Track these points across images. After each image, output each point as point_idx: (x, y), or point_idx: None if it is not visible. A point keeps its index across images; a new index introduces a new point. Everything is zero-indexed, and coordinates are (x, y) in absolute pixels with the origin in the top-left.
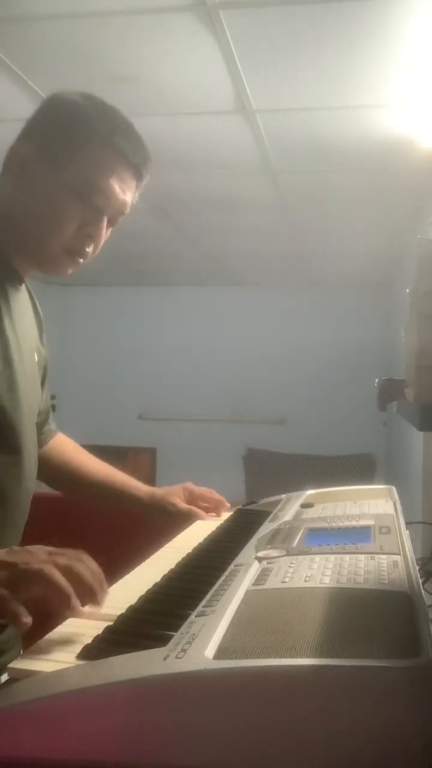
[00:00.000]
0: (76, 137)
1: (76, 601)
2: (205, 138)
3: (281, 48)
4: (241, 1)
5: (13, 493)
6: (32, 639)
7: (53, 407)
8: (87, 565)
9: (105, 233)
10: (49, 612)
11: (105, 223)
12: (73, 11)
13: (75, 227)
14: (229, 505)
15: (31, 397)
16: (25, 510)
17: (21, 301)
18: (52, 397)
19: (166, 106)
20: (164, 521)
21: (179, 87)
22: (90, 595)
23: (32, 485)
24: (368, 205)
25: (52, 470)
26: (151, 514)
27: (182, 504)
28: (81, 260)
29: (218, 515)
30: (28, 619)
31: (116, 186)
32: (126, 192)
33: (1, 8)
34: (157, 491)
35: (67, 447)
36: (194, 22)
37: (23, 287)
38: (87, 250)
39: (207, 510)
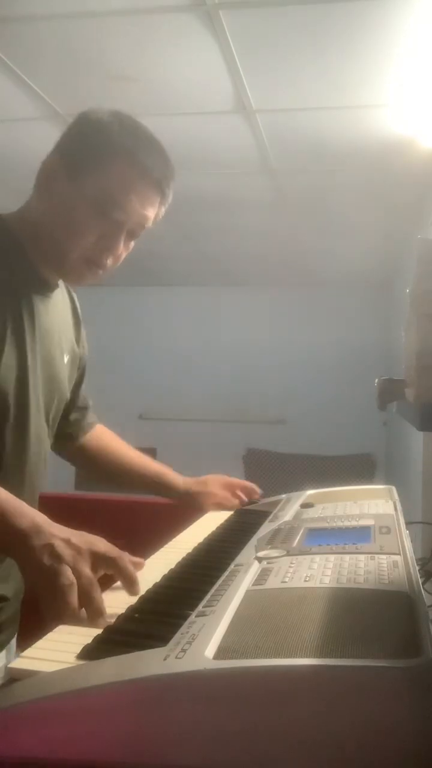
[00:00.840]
0: (99, 152)
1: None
2: (205, 138)
3: (281, 48)
4: (241, 1)
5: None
6: (32, 639)
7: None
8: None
9: (125, 246)
10: (48, 611)
11: (123, 237)
12: (74, 11)
13: (93, 239)
14: (258, 492)
15: (46, 394)
16: (29, 492)
17: (50, 305)
18: None
19: (166, 106)
20: (197, 507)
21: (179, 87)
22: (95, 613)
23: (39, 477)
24: (368, 205)
25: (92, 460)
26: (185, 502)
27: (216, 489)
28: (100, 271)
29: (255, 496)
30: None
31: (136, 201)
32: (147, 207)
33: (1, 8)
34: (193, 487)
35: (103, 436)
36: (194, 22)
37: (55, 293)
38: (106, 261)
39: (242, 499)
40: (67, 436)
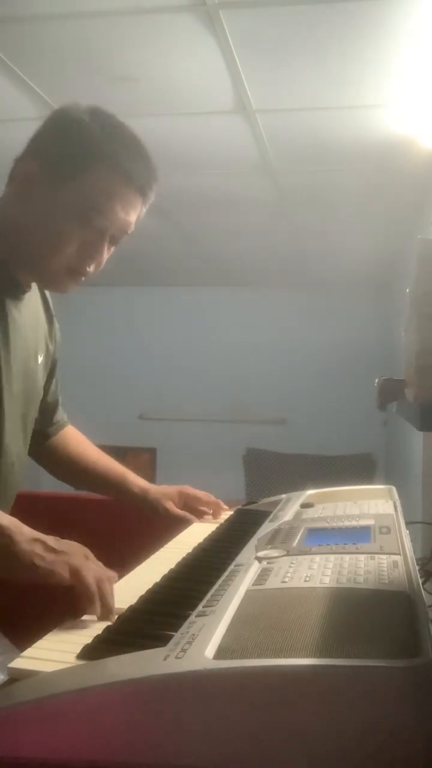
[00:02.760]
0: (80, 158)
1: (98, 604)
2: (205, 138)
3: (281, 48)
4: (241, 1)
5: None
6: (33, 639)
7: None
8: (111, 587)
9: (107, 252)
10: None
11: (106, 244)
12: (73, 11)
13: (75, 247)
14: (227, 507)
15: (22, 401)
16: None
17: (23, 309)
18: None
19: (166, 106)
20: (157, 519)
21: (179, 87)
22: (106, 611)
23: (15, 482)
24: (368, 205)
25: (56, 460)
26: (142, 509)
27: (174, 508)
28: (82, 278)
29: (215, 517)
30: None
31: (119, 207)
32: (130, 213)
33: (1, 8)
34: (152, 490)
35: (71, 439)
36: (194, 22)
37: (27, 295)
38: (88, 269)
39: (204, 514)
40: (33, 433)
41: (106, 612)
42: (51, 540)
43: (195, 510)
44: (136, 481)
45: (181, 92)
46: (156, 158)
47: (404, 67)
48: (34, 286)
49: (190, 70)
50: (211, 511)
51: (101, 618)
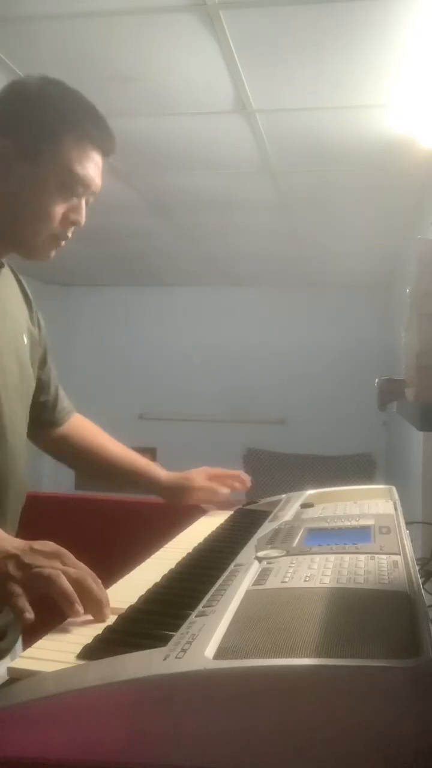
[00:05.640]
0: (52, 130)
1: (79, 606)
2: (205, 138)
3: (281, 48)
4: (241, 1)
5: None
6: (33, 638)
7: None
8: (96, 583)
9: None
10: (52, 611)
11: (84, 206)
12: (73, 11)
13: (60, 216)
14: (249, 483)
15: (12, 378)
16: (14, 489)
17: (2, 283)
18: None
19: (166, 106)
20: (159, 516)
21: (179, 87)
22: (97, 607)
23: (19, 462)
24: (368, 205)
25: (72, 450)
26: (169, 495)
27: (200, 480)
28: (63, 243)
29: (244, 487)
30: (30, 615)
31: (93, 171)
32: (99, 175)
33: (1, 8)
34: (176, 481)
35: (86, 428)
36: (194, 22)
37: (4, 270)
38: (69, 234)
39: (232, 488)
40: (40, 423)
41: (97, 606)
42: (25, 551)
43: (222, 484)
44: (159, 469)
45: (181, 92)
46: (156, 158)
47: (404, 67)
48: (6, 267)
49: (190, 70)
50: (238, 484)
51: (96, 615)
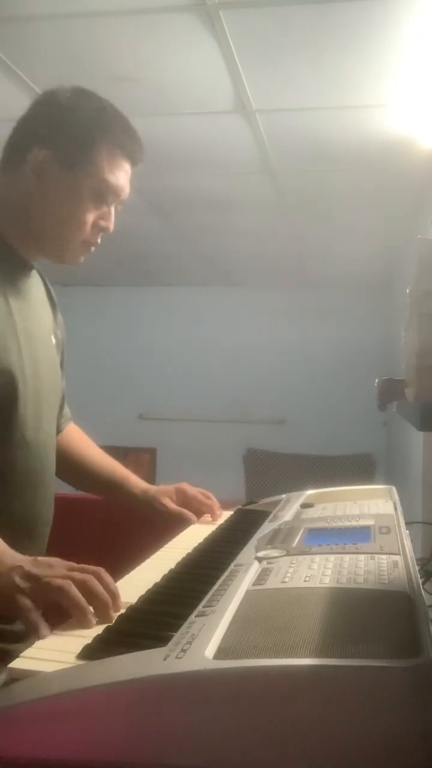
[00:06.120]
0: (87, 141)
1: (92, 617)
2: (205, 138)
3: (281, 48)
4: (241, 1)
5: (21, 473)
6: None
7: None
8: (104, 581)
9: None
10: (54, 611)
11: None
12: (73, 11)
13: (91, 223)
14: (220, 512)
15: (45, 379)
16: (41, 490)
17: (32, 286)
18: None
19: (166, 106)
20: (157, 519)
21: (179, 87)
22: (104, 609)
23: (48, 464)
24: (368, 205)
25: (60, 459)
26: (142, 510)
27: (171, 505)
28: (92, 248)
29: (213, 519)
30: (46, 632)
31: (123, 181)
32: (128, 182)
33: (1, 8)
34: (151, 489)
35: (73, 436)
36: (194, 22)
37: (33, 272)
38: (98, 240)
39: (201, 513)
40: None
41: (103, 608)
42: (30, 562)
43: (194, 508)
44: (137, 482)
45: (181, 92)
46: (156, 158)
47: (404, 67)
48: (34, 270)
49: (190, 70)
50: (209, 514)
51: (101, 617)
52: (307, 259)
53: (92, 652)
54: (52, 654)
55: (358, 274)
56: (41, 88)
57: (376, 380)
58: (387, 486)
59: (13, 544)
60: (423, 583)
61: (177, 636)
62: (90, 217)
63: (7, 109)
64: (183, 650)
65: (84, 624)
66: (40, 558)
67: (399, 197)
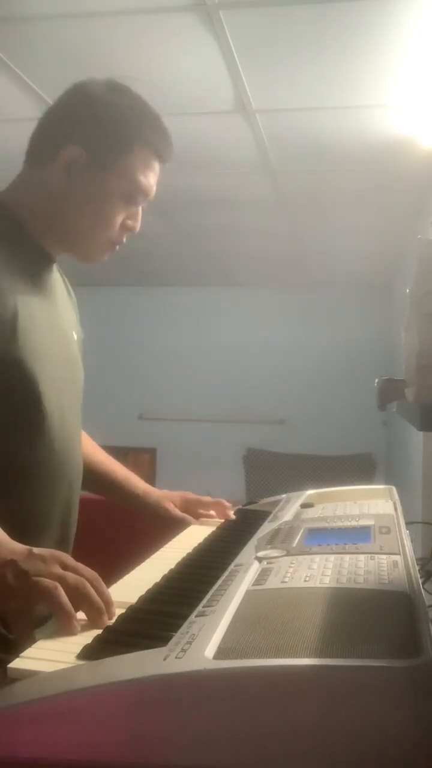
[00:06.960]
0: (121, 141)
1: (76, 622)
2: (205, 138)
3: (281, 48)
4: (241, 1)
5: (43, 467)
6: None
7: None
8: (98, 587)
9: None
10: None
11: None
12: (74, 11)
13: (120, 222)
14: (229, 505)
15: (68, 374)
16: (65, 486)
17: (54, 281)
18: None
19: (166, 106)
20: (157, 523)
21: (179, 87)
22: (97, 616)
23: (74, 464)
24: (368, 206)
25: None
26: (144, 513)
27: (175, 510)
28: (117, 247)
29: (220, 517)
30: (33, 641)
31: (153, 181)
32: (156, 181)
33: (1, 8)
34: (154, 493)
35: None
36: (194, 22)
37: (54, 268)
38: (124, 239)
39: (206, 516)
40: None
41: (96, 613)
42: (24, 556)
43: (196, 514)
44: (138, 483)
45: (181, 92)
46: None
47: (404, 67)
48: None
49: (190, 70)
50: (214, 512)
51: (93, 622)
52: (307, 259)
53: (92, 652)
54: (52, 654)
55: (358, 274)
56: (41, 88)
57: (376, 380)
58: (387, 486)
59: (38, 544)
60: (423, 583)
61: (177, 636)
62: (119, 218)
63: (7, 109)
64: (183, 650)
65: (68, 630)
66: (36, 550)
67: (399, 197)
